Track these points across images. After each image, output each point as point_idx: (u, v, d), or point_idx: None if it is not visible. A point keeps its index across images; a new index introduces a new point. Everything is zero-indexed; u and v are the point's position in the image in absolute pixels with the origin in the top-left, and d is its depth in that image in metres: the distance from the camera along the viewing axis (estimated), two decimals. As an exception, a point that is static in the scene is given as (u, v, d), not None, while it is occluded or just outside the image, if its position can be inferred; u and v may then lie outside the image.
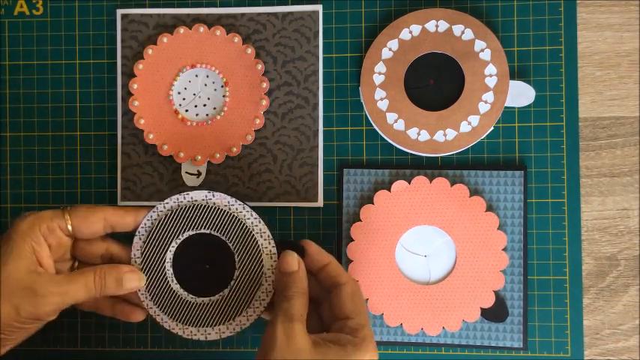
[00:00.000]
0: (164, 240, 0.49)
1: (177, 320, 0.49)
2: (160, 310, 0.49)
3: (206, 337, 0.49)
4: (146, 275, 0.49)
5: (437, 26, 0.53)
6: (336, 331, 0.45)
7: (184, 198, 0.49)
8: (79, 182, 0.56)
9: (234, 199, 0.49)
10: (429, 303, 0.53)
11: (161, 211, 0.49)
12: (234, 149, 0.54)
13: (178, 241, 0.49)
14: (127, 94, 0.55)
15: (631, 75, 0.54)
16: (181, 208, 0.49)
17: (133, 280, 0.47)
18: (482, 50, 0.53)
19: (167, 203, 0.49)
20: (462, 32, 0.53)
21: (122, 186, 0.55)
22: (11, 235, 0.45)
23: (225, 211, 0.49)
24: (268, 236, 0.48)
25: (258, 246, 0.48)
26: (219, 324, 0.49)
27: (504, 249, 0.53)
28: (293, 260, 0.47)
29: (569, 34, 0.54)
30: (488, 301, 0.52)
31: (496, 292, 0.52)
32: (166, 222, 0.49)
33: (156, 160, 0.55)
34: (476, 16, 0.53)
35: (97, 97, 0.56)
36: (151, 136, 0.54)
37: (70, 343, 0.56)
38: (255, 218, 0.49)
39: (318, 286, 0.48)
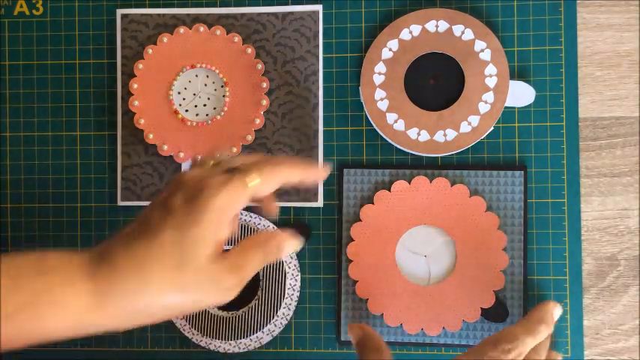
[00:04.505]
0: None
1: (205, 335, 0.53)
2: (190, 325, 0.53)
3: (228, 350, 0.53)
4: None
5: (437, 26, 0.53)
6: None
7: None
8: (79, 182, 0.56)
9: (250, 213, 0.52)
10: (429, 303, 0.53)
11: None
12: (234, 149, 0.54)
13: None
14: (127, 94, 0.55)
15: (631, 75, 0.54)
16: None
17: (294, 245, 0.41)
18: (482, 50, 0.53)
19: None
20: (462, 32, 0.53)
21: (122, 186, 0.55)
22: (200, 207, 0.36)
23: (243, 226, 0.52)
24: None
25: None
26: (244, 337, 0.53)
27: (504, 249, 0.53)
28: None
29: (569, 34, 0.54)
30: (489, 301, 0.52)
31: (496, 292, 0.52)
32: None
33: (156, 160, 0.55)
34: (476, 16, 0.53)
35: (97, 97, 0.56)
36: (151, 136, 0.54)
37: (70, 342, 0.56)
38: (274, 229, 0.51)
39: None
